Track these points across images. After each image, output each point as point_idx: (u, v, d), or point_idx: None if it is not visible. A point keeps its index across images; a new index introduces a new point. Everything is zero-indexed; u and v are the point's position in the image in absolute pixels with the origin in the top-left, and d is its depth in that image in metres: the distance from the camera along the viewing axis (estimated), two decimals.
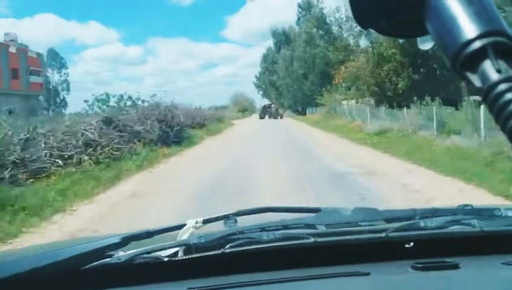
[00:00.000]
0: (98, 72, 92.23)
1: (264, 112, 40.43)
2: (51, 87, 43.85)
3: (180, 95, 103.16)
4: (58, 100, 44.64)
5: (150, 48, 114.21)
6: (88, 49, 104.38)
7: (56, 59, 46.36)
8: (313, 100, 37.42)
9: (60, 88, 45.67)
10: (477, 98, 7.60)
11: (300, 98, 39.96)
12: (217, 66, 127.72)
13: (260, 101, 59.67)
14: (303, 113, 39.12)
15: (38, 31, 77.92)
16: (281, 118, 38.54)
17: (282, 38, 47.19)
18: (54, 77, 45.81)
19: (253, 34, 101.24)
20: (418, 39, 0.31)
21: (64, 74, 46.63)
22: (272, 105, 41.67)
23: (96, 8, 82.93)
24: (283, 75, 42.63)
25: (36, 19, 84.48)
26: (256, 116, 47.60)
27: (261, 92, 63.35)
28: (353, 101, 22.77)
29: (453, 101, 11.95)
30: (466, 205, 0.98)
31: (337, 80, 29.67)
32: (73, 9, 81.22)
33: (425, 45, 0.31)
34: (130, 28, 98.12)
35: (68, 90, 46.26)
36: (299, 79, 38.13)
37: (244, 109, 64.53)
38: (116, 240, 0.84)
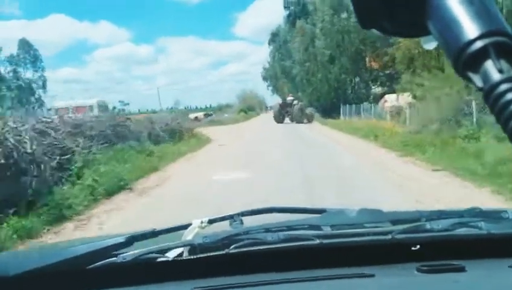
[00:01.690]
0: (109, 71, 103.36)
1: (282, 112, 31.21)
2: (23, 84, 43.62)
3: (193, 93, 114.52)
4: (33, 99, 43.93)
5: (161, 46, 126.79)
6: (99, 49, 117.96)
7: (29, 52, 46.03)
8: (344, 95, 31.22)
9: (34, 85, 45.28)
10: None
11: (326, 91, 32.71)
12: (227, 64, 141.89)
13: (271, 98, 54.03)
14: (333, 114, 29.98)
15: (51, 32, 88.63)
16: (309, 122, 29.32)
17: (298, 9, 40.15)
18: (27, 72, 45.38)
19: (263, 31, 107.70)
20: (422, 39, 0.37)
21: (39, 68, 46.36)
22: (295, 102, 31.31)
23: (106, 8, 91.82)
24: (300, 59, 35.03)
25: (48, 20, 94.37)
26: (265, 117, 40.08)
27: (270, 88, 57.43)
28: (394, 96, 18.67)
29: None
30: (473, 208, 1.13)
31: (372, 63, 25.75)
32: (84, 9, 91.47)
33: (429, 44, 0.37)
34: (140, 28, 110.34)
35: (44, 87, 45.64)
36: (323, 64, 31.68)
37: (248, 108, 57.47)
38: (121, 239, 0.99)
